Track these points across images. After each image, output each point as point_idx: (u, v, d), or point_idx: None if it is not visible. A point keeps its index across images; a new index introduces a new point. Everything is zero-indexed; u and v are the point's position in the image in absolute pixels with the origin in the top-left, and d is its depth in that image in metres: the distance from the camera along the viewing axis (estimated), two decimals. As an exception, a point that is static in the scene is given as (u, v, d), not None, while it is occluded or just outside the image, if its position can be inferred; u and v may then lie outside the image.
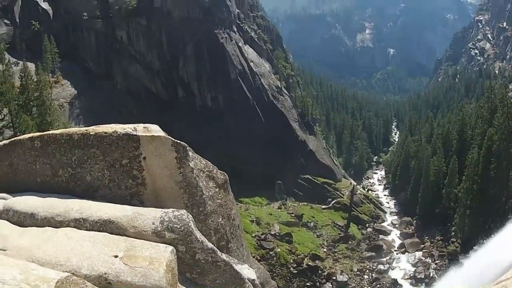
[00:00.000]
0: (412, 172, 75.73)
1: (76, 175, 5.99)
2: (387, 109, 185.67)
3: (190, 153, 5.98)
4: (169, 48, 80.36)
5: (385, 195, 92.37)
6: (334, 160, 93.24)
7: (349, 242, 63.40)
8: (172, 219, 5.17)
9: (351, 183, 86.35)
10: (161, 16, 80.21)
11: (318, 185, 79.25)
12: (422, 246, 61.78)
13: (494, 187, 48.81)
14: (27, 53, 67.14)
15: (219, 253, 5.42)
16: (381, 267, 57.42)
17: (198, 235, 5.26)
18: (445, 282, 45.20)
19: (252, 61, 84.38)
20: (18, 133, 34.04)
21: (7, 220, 5.55)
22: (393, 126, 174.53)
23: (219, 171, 6.49)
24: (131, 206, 5.50)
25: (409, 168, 78.99)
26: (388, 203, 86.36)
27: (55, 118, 44.61)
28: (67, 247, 4.56)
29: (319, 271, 53.46)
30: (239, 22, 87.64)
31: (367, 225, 71.42)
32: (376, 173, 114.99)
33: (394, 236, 68.54)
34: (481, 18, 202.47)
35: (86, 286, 4.04)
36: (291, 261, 53.02)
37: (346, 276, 54.15)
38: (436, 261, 56.31)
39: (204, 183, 6.12)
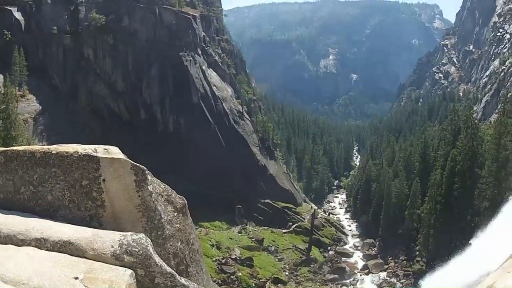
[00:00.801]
0: (374, 195, 76.83)
1: (38, 194, 5.95)
2: (348, 134, 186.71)
3: (149, 177, 5.97)
4: (134, 69, 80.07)
5: (346, 218, 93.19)
6: (295, 185, 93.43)
7: (311, 265, 63.71)
8: (131, 242, 5.15)
9: (312, 207, 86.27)
10: (128, 35, 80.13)
11: (278, 209, 79.15)
12: (386, 266, 62.73)
13: (458, 206, 49.56)
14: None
15: (178, 277, 5.38)
16: (344, 288, 57.84)
17: (157, 259, 5.23)
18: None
19: (215, 85, 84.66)
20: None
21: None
22: (354, 151, 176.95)
23: (178, 195, 6.48)
24: (91, 228, 5.50)
25: (370, 191, 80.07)
26: (349, 226, 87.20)
27: (20, 133, 43.44)
28: (29, 267, 4.57)
29: (281, 295, 53.48)
30: (204, 45, 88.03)
31: (329, 248, 71.92)
32: (337, 197, 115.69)
33: (357, 258, 69.17)
34: (447, 42, 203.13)
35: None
36: (253, 285, 52.80)
37: (309, 298, 54.40)
38: (401, 281, 56.99)
39: (163, 207, 6.10)
